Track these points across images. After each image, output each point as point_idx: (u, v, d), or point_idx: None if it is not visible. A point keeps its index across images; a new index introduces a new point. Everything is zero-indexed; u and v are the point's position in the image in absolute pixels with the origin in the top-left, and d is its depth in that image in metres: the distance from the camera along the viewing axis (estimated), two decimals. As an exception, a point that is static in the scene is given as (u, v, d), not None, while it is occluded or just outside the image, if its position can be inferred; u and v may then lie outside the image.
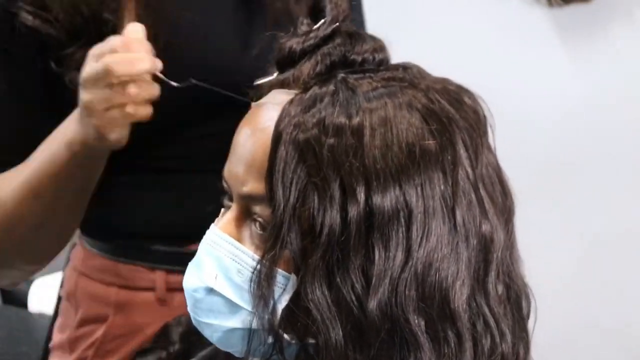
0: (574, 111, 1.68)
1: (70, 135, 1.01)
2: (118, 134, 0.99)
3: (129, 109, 0.98)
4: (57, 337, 1.21)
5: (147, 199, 1.13)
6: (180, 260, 1.12)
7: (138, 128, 1.03)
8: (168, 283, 1.13)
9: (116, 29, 1.00)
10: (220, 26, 1.08)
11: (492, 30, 1.68)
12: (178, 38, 1.04)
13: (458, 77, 0.88)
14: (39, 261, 1.15)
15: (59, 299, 1.25)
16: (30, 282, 2.08)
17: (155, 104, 1.00)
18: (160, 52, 0.99)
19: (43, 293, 2.06)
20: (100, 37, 0.98)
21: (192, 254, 1.13)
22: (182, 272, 1.13)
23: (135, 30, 0.97)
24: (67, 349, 1.18)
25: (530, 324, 0.87)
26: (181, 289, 1.13)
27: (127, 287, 1.14)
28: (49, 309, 2.03)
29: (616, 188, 1.69)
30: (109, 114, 0.97)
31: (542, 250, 1.58)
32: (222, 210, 0.86)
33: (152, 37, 0.98)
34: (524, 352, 0.83)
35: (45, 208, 1.06)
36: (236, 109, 0.93)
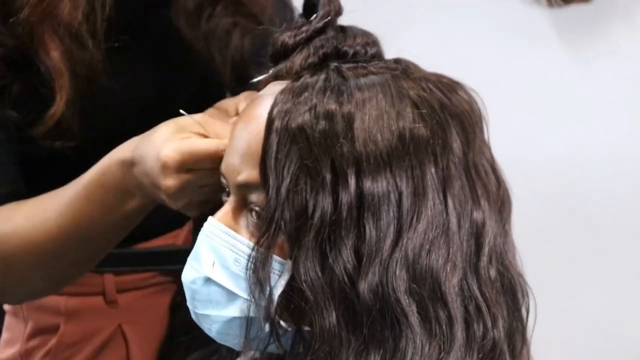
0: (573, 111, 1.68)
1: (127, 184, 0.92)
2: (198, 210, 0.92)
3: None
4: (4, 354, 1.18)
5: None
6: (127, 261, 1.12)
7: (88, 130, 1.01)
8: (117, 284, 1.13)
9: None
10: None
11: (492, 30, 1.68)
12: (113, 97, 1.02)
13: (458, 76, 0.88)
14: (60, 284, 1.09)
15: (2, 314, 1.23)
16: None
17: (110, 110, 0.98)
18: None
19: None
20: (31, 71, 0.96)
21: (138, 254, 1.14)
22: (130, 272, 1.14)
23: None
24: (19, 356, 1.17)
25: (530, 323, 0.87)
26: (130, 289, 1.14)
27: (76, 294, 1.13)
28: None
29: (616, 188, 1.69)
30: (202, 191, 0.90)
31: (542, 249, 1.58)
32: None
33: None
34: (520, 343, 0.83)
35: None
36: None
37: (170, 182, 0.87)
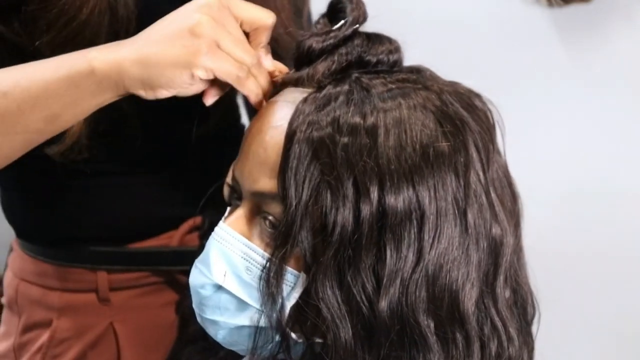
0: (573, 111, 1.68)
1: (107, 52, 0.81)
2: (191, 87, 0.81)
3: (243, 71, 0.81)
4: (1, 346, 1.19)
5: (84, 201, 1.11)
6: (121, 260, 1.12)
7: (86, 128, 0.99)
8: (110, 282, 1.12)
9: None
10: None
11: (492, 30, 1.67)
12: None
13: (458, 76, 0.88)
14: None
15: (0, 307, 1.23)
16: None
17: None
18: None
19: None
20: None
21: (131, 253, 1.13)
22: (123, 271, 1.14)
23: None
24: (12, 357, 1.17)
25: (534, 329, 0.87)
26: (123, 288, 1.14)
27: (69, 289, 1.13)
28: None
29: (616, 187, 1.69)
30: (217, 51, 0.79)
31: (542, 249, 1.58)
32: (229, 208, 0.86)
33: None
34: (527, 357, 0.83)
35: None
36: (189, 115, 0.92)
37: (201, 14, 0.78)
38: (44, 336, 1.14)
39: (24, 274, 1.16)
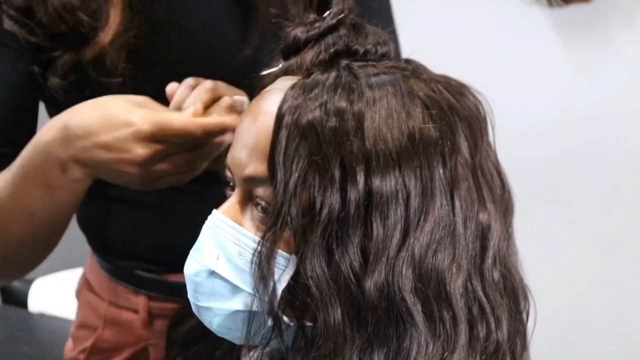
0: (574, 111, 1.68)
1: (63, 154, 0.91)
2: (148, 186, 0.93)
3: (176, 178, 0.93)
4: (72, 326, 1.24)
5: (131, 217, 1.13)
6: (160, 288, 1.13)
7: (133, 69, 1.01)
8: (150, 307, 1.14)
9: (97, 33, 0.98)
10: (212, 24, 1.07)
11: (492, 30, 1.68)
12: (166, 37, 1.02)
13: (458, 76, 0.88)
14: (20, 271, 1.07)
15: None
16: (30, 282, 2.08)
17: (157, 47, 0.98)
18: (145, 50, 0.98)
19: (43, 293, 2.06)
20: (83, 42, 0.97)
21: (171, 284, 1.14)
22: (162, 300, 1.15)
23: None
24: (71, 342, 1.21)
25: (530, 324, 0.87)
26: (162, 315, 1.14)
27: (117, 305, 1.15)
28: (48, 309, 2.03)
29: (616, 187, 1.69)
30: (161, 179, 0.93)
31: (542, 250, 1.58)
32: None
33: (136, 36, 0.96)
34: (520, 346, 0.83)
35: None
36: None
37: (142, 150, 0.88)
38: (90, 340, 1.17)
39: (89, 275, 1.20)
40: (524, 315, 0.85)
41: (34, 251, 1.00)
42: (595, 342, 1.74)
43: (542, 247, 1.66)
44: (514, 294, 0.84)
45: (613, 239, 1.71)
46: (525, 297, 0.85)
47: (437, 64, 0.89)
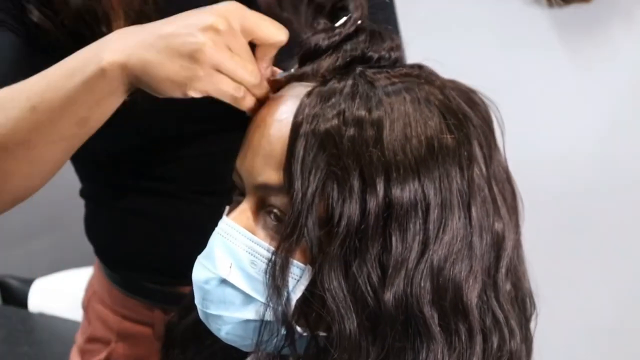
0: (573, 111, 1.68)
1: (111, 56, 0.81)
2: (187, 92, 0.80)
3: (240, 91, 0.81)
4: (78, 337, 1.22)
5: (138, 228, 1.11)
6: (175, 301, 1.13)
7: (138, 138, 1.00)
8: (165, 321, 1.13)
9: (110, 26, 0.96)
10: None
11: (492, 30, 1.68)
12: None
13: (458, 76, 0.88)
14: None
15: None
16: (30, 282, 2.08)
17: (157, 113, 0.94)
18: None
19: (43, 293, 2.06)
20: (94, 38, 0.96)
21: (184, 295, 1.14)
22: None
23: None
24: (78, 355, 1.20)
25: (532, 326, 0.87)
26: None
27: (130, 318, 1.14)
28: (49, 309, 2.03)
29: (616, 187, 1.69)
30: (214, 75, 0.79)
31: (545, 254, 1.58)
32: (228, 208, 0.86)
33: None
34: (526, 354, 0.83)
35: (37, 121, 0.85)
36: (237, 127, 0.92)
37: (212, 20, 0.77)
38: (103, 353, 1.16)
39: (97, 287, 1.19)
40: (531, 322, 0.85)
41: (17, 165, 0.87)
42: (596, 341, 1.74)
43: (543, 251, 1.66)
44: (523, 302, 0.84)
45: (614, 239, 1.71)
46: (532, 302, 0.85)
47: (437, 64, 0.89)
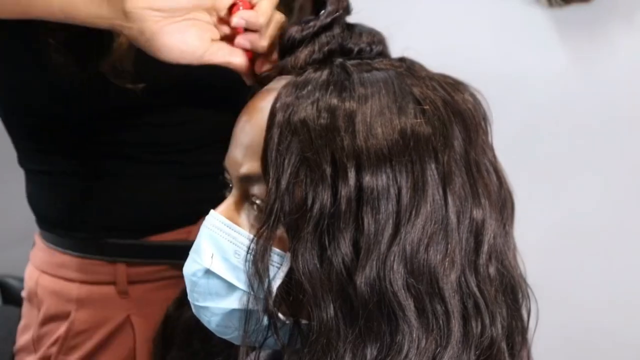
0: (574, 111, 1.68)
1: None
2: (161, 45, 0.85)
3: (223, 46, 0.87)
4: (21, 340, 1.21)
5: (110, 188, 1.12)
6: (140, 252, 1.13)
7: (102, 106, 1.01)
8: (129, 275, 1.13)
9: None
10: None
11: (492, 30, 1.67)
12: None
13: (457, 76, 0.88)
14: None
15: (22, 300, 1.24)
16: (30, 282, 2.08)
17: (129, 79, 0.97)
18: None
19: (43, 293, 2.06)
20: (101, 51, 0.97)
21: (150, 246, 1.14)
22: (142, 264, 1.15)
23: None
24: (31, 349, 1.19)
25: (532, 325, 0.87)
26: (141, 281, 1.15)
27: (88, 282, 1.14)
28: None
29: (616, 187, 1.69)
30: (184, 23, 0.85)
31: (542, 249, 1.58)
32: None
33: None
34: (520, 343, 0.83)
35: None
36: (211, 100, 0.93)
37: None
38: (62, 328, 1.15)
39: (44, 265, 1.18)
40: (524, 311, 0.86)
41: None
42: (596, 341, 1.74)
43: (543, 245, 1.66)
44: (512, 290, 0.84)
45: (613, 236, 1.71)
46: (525, 294, 0.85)
47: (437, 63, 0.89)
